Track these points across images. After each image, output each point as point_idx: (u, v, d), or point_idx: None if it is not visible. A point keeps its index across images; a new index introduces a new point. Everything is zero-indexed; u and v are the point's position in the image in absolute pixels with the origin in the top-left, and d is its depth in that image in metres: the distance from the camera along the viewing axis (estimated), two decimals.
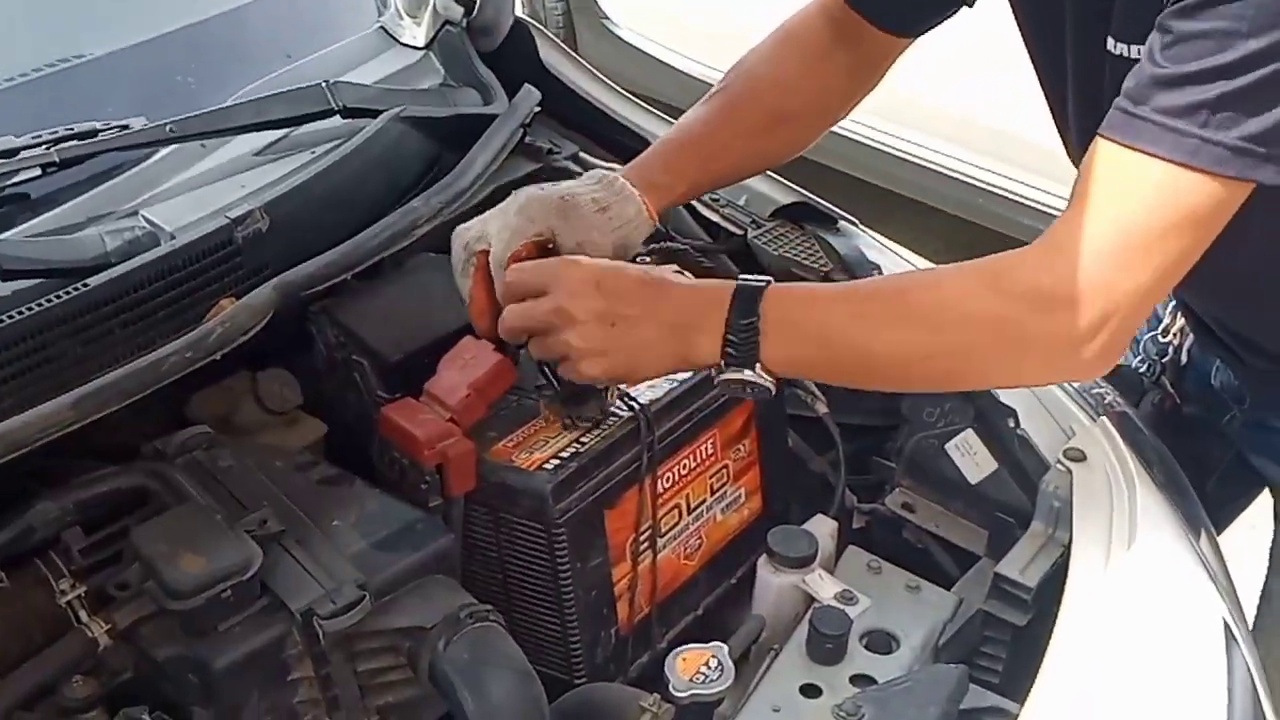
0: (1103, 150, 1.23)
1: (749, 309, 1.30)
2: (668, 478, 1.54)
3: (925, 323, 1.30)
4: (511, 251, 1.42)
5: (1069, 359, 1.27)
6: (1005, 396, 1.60)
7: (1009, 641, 1.49)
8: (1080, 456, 1.53)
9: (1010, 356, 1.30)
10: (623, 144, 1.95)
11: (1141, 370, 1.82)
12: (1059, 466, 1.53)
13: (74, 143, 1.51)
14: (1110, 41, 1.32)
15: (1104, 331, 1.24)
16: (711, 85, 1.66)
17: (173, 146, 1.62)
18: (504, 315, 1.40)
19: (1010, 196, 3.85)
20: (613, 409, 1.50)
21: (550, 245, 1.44)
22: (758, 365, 1.30)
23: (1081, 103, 1.45)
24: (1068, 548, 1.47)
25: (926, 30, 1.63)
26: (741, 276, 1.34)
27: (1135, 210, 1.22)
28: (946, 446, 1.64)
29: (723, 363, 1.31)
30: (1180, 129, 1.18)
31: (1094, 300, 1.22)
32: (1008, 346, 1.29)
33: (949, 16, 1.60)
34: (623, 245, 1.48)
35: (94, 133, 1.54)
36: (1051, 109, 1.55)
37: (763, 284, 1.31)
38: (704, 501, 1.60)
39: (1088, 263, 1.22)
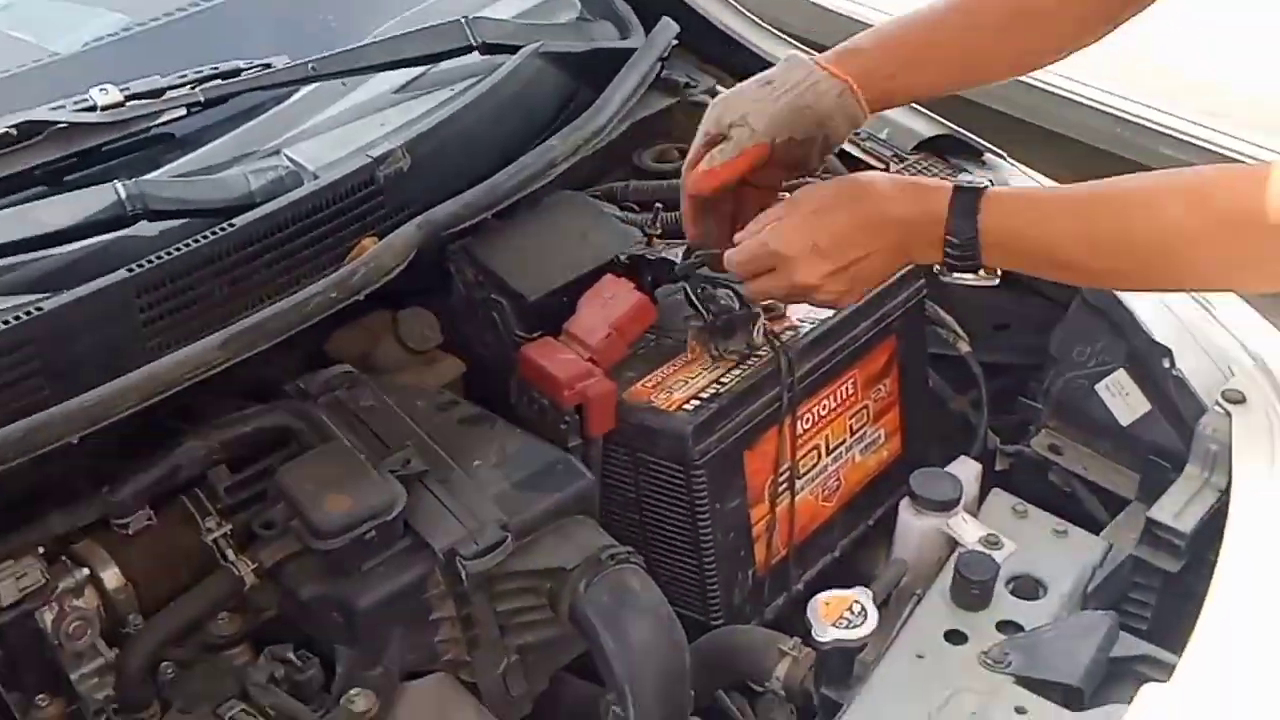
0: None
1: (968, 221, 1.25)
2: (807, 418, 1.52)
3: (1148, 250, 1.23)
4: (691, 158, 1.41)
5: None
6: (1160, 335, 1.54)
7: (1159, 589, 1.45)
8: (1240, 398, 1.47)
9: (1229, 277, 1.28)
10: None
11: None
12: (1217, 408, 1.47)
13: (217, 82, 1.52)
14: None
15: None
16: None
17: (314, 85, 1.62)
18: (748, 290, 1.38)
19: (1145, 124, 3.72)
20: (759, 341, 1.48)
21: (720, 135, 1.40)
22: (980, 270, 1.27)
23: None
24: (1225, 493, 1.42)
25: None
26: (960, 179, 1.30)
27: None
28: (1097, 387, 1.59)
29: (945, 269, 1.28)
30: None
31: None
32: (1225, 269, 1.23)
33: None
34: (796, 111, 1.38)
35: (237, 72, 1.54)
36: None
37: (981, 187, 1.26)
38: (843, 442, 1.58)
39: None
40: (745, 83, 1.43)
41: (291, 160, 1.51)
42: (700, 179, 1.39)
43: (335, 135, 1.58)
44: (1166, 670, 1.23)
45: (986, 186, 1.25)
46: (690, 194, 1.41)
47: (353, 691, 1.22)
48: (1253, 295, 1.54)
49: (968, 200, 1.25)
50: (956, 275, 1.27)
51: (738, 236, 1.35)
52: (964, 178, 1.30)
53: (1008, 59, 1.54)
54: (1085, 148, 3.89)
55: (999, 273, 1.27)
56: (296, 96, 1.62)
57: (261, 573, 1.27)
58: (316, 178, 1.47)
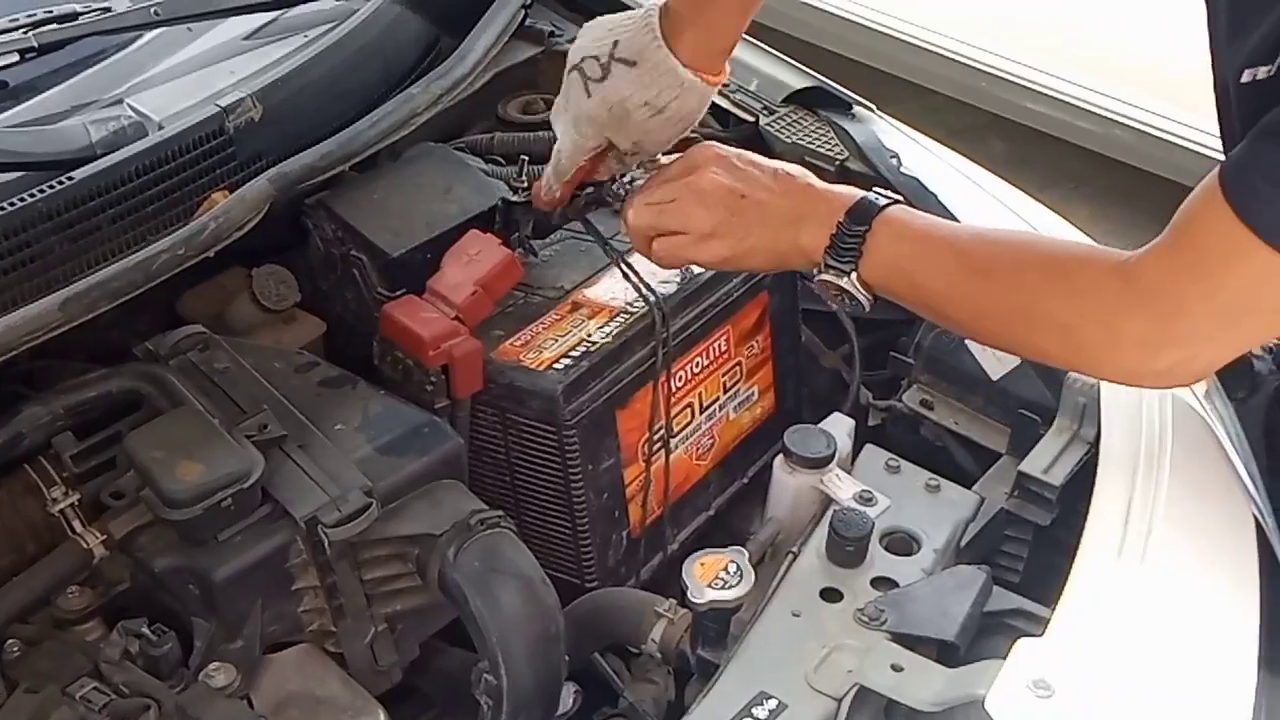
0: (1209, 199, 1.08)
1: (863, 219, 1.24)
2: (680, 376, 1.50)
3: (1001, 311, 1.23)
4: (574, 171, 1.38)
5: (1137, 380, 1.25)
6: None
7: (1031, 541, 1.45)
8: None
9: (1077, 364, 1.31)
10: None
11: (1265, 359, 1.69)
12: None
13: (53, 26, 1.45)
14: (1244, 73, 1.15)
15: (1178, 372, 1.17)
16: None
17: (158, 30, 1.55)
18: (634, 202, 1.34)
19: (1014, 80, 3.78)
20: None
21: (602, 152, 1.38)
22: (854, 276, 1.24)
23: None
24: (1094, 445, 1.43)
25: None
26: (876, 189, 1.29)
27: (1228, 282, 1.08)
28: (967, 340, 1.59)
29: (823, 262, 1.26)
30: (1277, 201, 1.03)
31: (1167, 349, 1.14)
32: (1073, 357, 1.24)
33: None
34: (683, 134, 1.39)
35: (74, 15, 1.47)
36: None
37: (887, 201, 1.26)
38: (716, 400, 1.56)
39: (1168, 315, 1.12)
40: (632, 101, 1.32)
41: (135, 110, 1.44)
42: (549, 199, 1.41)
43: (181, 84, 1.52)
44: (1039, 623, 1.23)
45: (893, 201, 1.26)
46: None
47: (212, 666, 1.17)
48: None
49: (870, 204, 1.25)
50: (831, 279, 1.25)
51: (639, 199, 1.33)
52: (878, 190, 1.29)
53: None
54: (943, 98, 3.95)
55: (868, 298, 1.26)
56: (139, 42, 1.56)
57: (112, 544, 1.21)
58: (162, 128, 1.41)
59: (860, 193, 1.27)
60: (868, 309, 1.26)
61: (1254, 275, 1.07)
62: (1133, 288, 1.14)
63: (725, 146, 1.34)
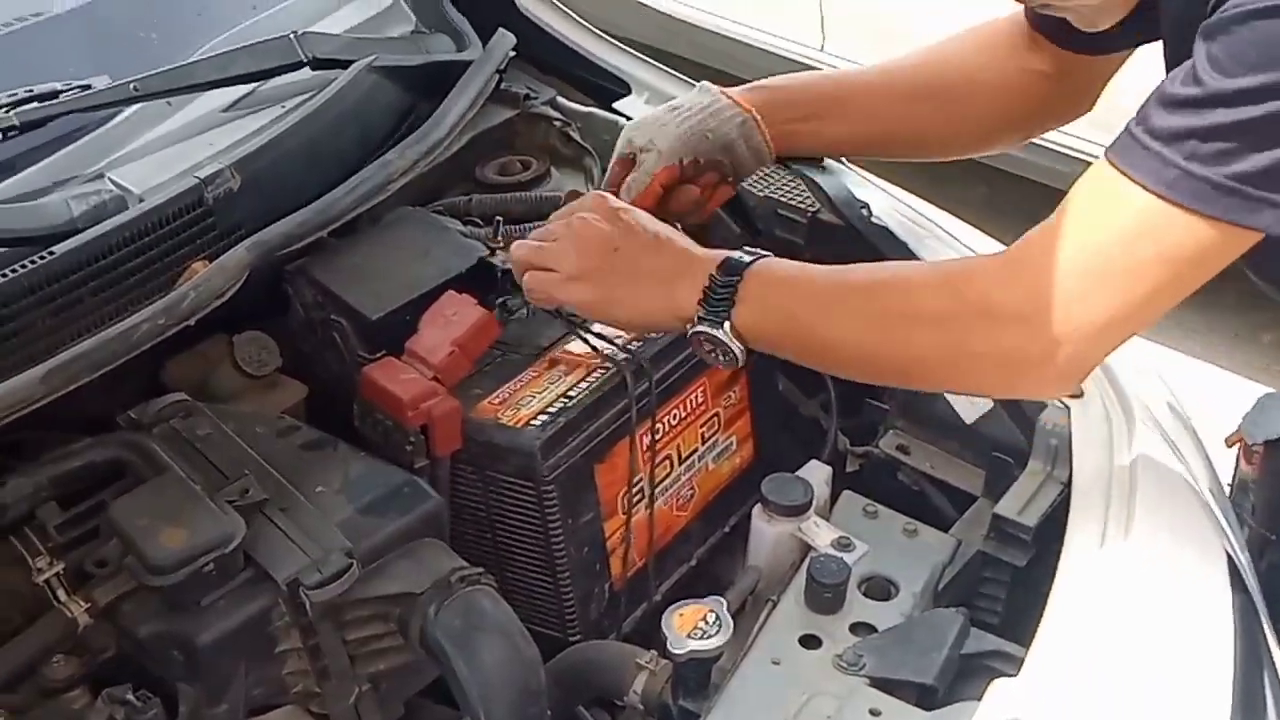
0: (1095, 166, 1.16)
1: (733, 271, 1.30)
2: (658, 428, 1.51)
3: (876, 320, 1.28)
4: (607, 179, 1.55)
5: (1021, 378, 1.24)
6: None
7: (1009, 582, 1.47)
8: (1078, 392, 1.50)
9: (956, 365, 1.26)
10: (601, 86, 1.90)
11: None
12: (1056, 403, 1.50)
13: (34, 105, 1.47)
14: None
15: (1058, 358, 1.17)
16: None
17: (137, 105, 1.57)
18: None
19: None
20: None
21: (632, 156, 1.52)
22: (728, 325, 1.30)
23: None
24: (1067, 486, 1.45)
25: (1122, 48, 1.49)
26: (745, 248, 1.35)
27: (1107, 237, 1.14)
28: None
29: (697, 315, 1.31)
30: (1165, 156, 1.09)
31: (1045, 324, 1.16)
32: (953, 354, 1.24)
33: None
34: (698, 134, 1.51)
35: (55, 94, 1.49)
36: None
37: (754, 256, 1.32)
38: (695, 451, 1.57)
39: (1045, 285, 1.15)
40: (657, 109, 1.54)
41: (115, 184, 1.47)
42: None
43: (161, 157, 1.54)
44: (1017, 664, 1.24)
45: (761, 257, 1.32)
46: None
47: None
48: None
49: (738, 259, 1.32)
50: (705, 329, 1.30)
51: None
52: (746, 249, 1.36)
53: (916, 132, 1.61)
54: None
55: (741, 349, 1.31)
56: (120, 118, 1.57)
57: (96, 612, 1.22)
58: (142, 201, 1.42)
59: (727, 251, 1.33)
60: (740, 362, 1.32)
61: (1132, 225, 1.12)
62: (1010, 265, 1.20)
63: (616, 200, 1.41)
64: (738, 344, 1.30)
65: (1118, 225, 1.13)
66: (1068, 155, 3.68)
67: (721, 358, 1.32)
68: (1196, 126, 1.07)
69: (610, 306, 1.37)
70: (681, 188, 1.53)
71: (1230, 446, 1.74)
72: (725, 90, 1.55)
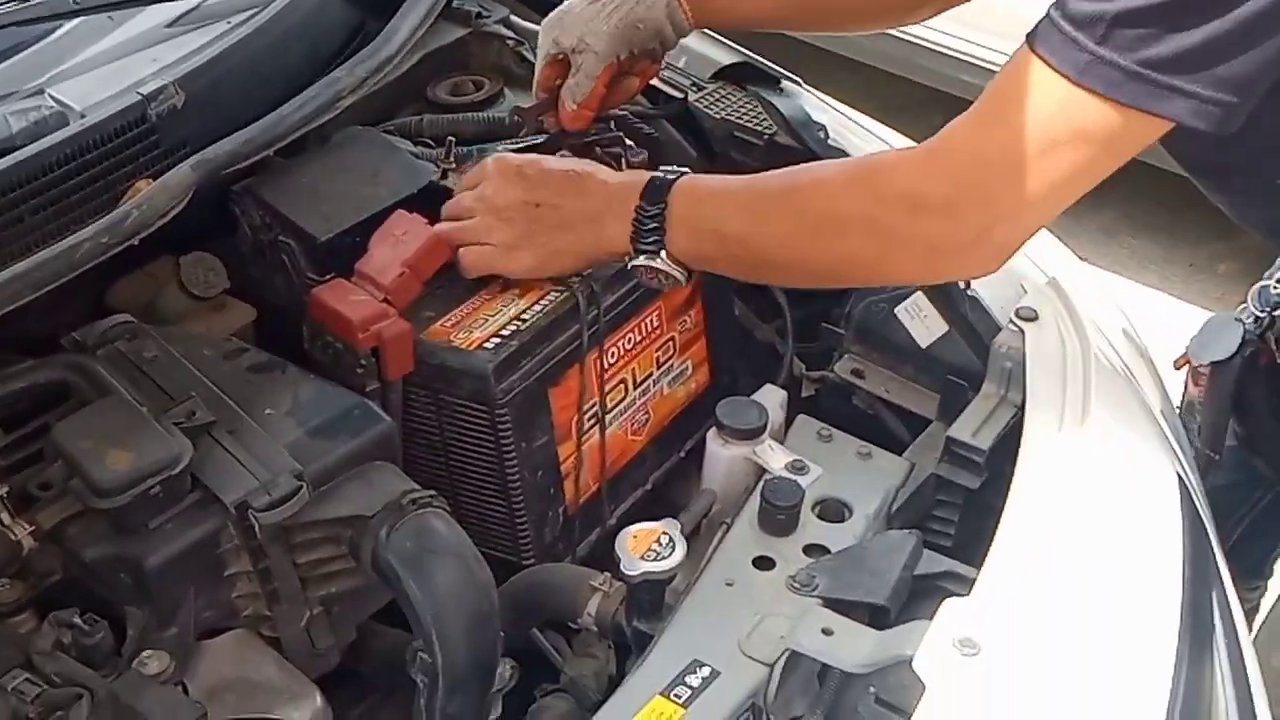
0: (1017, 53, 1.17)
1: (656, 198, 1.31)
2: (612, 353, 1.50)
3: (804, 223, 1.29)
4: (537, 81, 1.55)
5: (946, 262, 1.27)
6: None
7: (962, 505, 1.47)
8: (1032, 315, 1.50)
9: (886, 259, 1.29)
10: (553, 4, 1.86)
11: (1247, 322, 1.69)
12: (1011, 326, 1.50)
13: None
14: None
15: (983, 242, 1.21)
16: None
17: (78, 19, 1.53)
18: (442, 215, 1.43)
19: (955, 55, 3.79)
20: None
21: (563, 57, 1.51)
22: (664, 254, 1.31)
23: None
24: (1021, 409, 1.45)
25: None
26: (661, 167, 1.36)
27: (1025, 119, 1.15)
28: (896, 310, 1.60)
29: (632, 249, 1.33)
30: (1078, 40, 1.10)
31: (970, 209, 1.19)
32: (882, 249, 1.27)
33: None
34: (630, 26, 1.49)
35: None
36: None
37: (674, 175, 1.32)
38: (650, 375, 1.56)
39: (967, 169, 1.18)
40: (573, 1, 1.50)
41: (56, 100, 1.43)
42: (576, 118, 1.52)
43: (103, 73, 1.50)
44: (969, 585, 1.24)
45: (681, 175, 1.33)
46: (576, 129, 1.54)
47: (145, 654, 1.16)
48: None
49: (660, 182, 1.32)
50: (644, 262, 1.33)
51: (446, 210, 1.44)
52: (664, 168, 1.37)
53: (832, 12, 1.63)
54: (882, 74, 3.96)
55: (683, 273, 1.34)
56: (60, 32, 1.53)
57: (41, 535, 1.20)
58: (84, 117, 1.39)
59: (645, 175, 1.34)
60: (685, 283, 1.35)
61: (1048, 110, 1.14)
62: (932, 155, 1.22)
63: (514, 155, 1.42)
64: (677, 269, 1.33)
65: (1036, 110, 1.14)
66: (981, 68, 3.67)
67: (665, 282, 1.35)
68: (1109, 11, 1.08)
69: (551, 263, 1.39)
70: (621, 82, 1.54)
71: (1178, 369, 1.76)
72: None
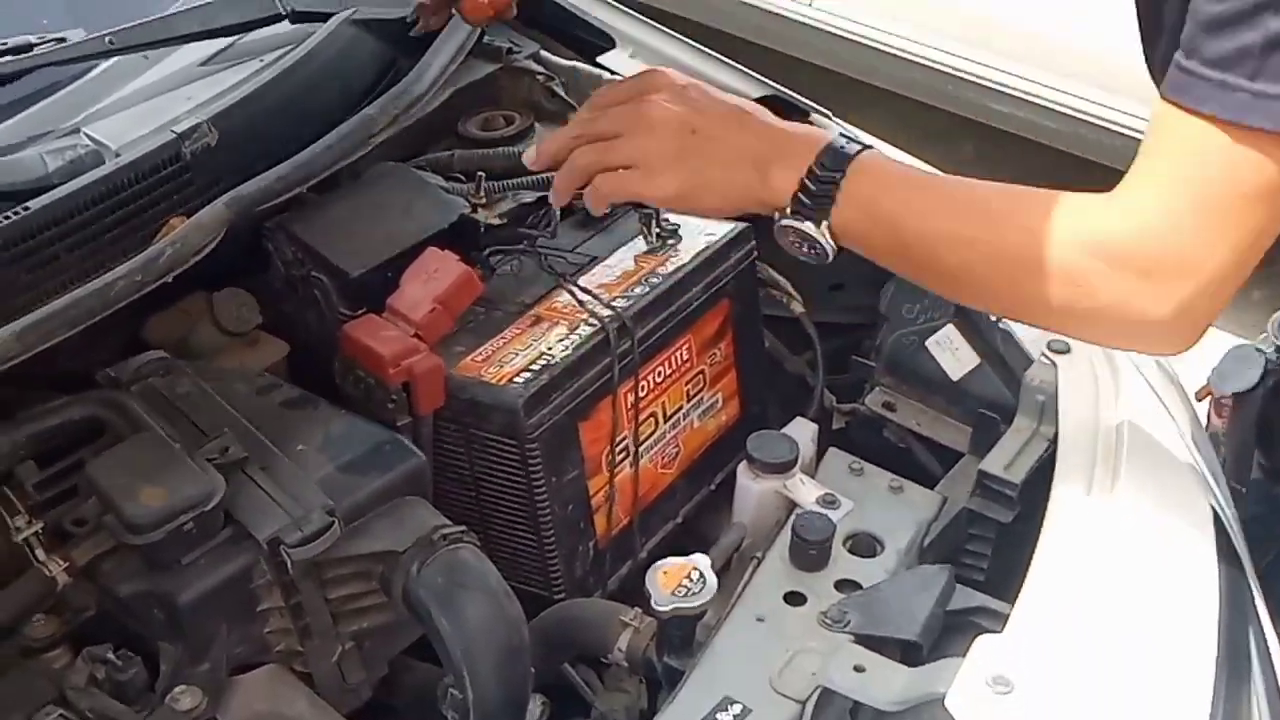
0: (1158, 116, 1.08)
1: (837, 162, 1.18)
2: (642, 386, 1.50)
3: (997, 251, 1.16)
4: None
5: (1144, 331, 1.15)
6: None
7: (994, 539, 1.46)
8: (1065, 349, 1.49)
9: (1075, 312, 1.16)
10: (585, 40, 1.88)
11: (1268, 352, 1.66)
12: (1043, 359, 1.49)
13: (8, 58, 1.45)
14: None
15: (1184, 316, 1.10)
16: None
17: (113, 59, 1.55)
18: (571, 128, 1.28)
19: (984, 84, 3.79)
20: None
21: None
22: (825, 224, 1.18)
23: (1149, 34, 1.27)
24: (1053, 442, 1.44)
25: None
26: (844, 134, 1.23)
27: (1203, 179, 1.06)
28: (927, 343, 1.60)
29: (789, 208, 1.20)
30: (1227, 82, 1.01)
31: (1174, 274, 1.08)
32: (1073, 300, 1.14)
33: None
34: None
35: (29, 47, 1.47)
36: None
37: (859, 146, 1.20)
38: (680, 408, 1.57)
39: (1167, 232, 1.08)
40: None
41: (91, 139, 1.44)
42: (474, 7, 1.48)
43: (138, 111, 1.52)
44: (1002, 620, 1.23)
45: (865, 148, 1.20)
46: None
47: (178, 689, 1.17)
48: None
49: (843, 147, 1.19)
50: (795, 223, 1.19)
51: (575, 133, 1.28)
52: (844, 135, 1.24)
53: None
54: (910, 103, 3.96)
55: (834, 248, 1.20)
56: (95, 72, 1.55)
57: (75, 571, 1.21)
58: (118, 156, 1.40)
59: (828, 134, 1.21)
60: (830, 258, 1.21)
61: (1227, 160, 1.04)
62: (1126, 217, 1.11)
63: (679, 75, 1.27)
64: (831, 242, 1.19)
65: (1209, 165, 1.05)
66: (1055, 111, 3.68)
67: (807, 250, 1.21)
68: (1254, 42, 1.00)
69: (700, 193, 1.23)
70: None
71: (1200, 400, 1.74)
72: None
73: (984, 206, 1.19)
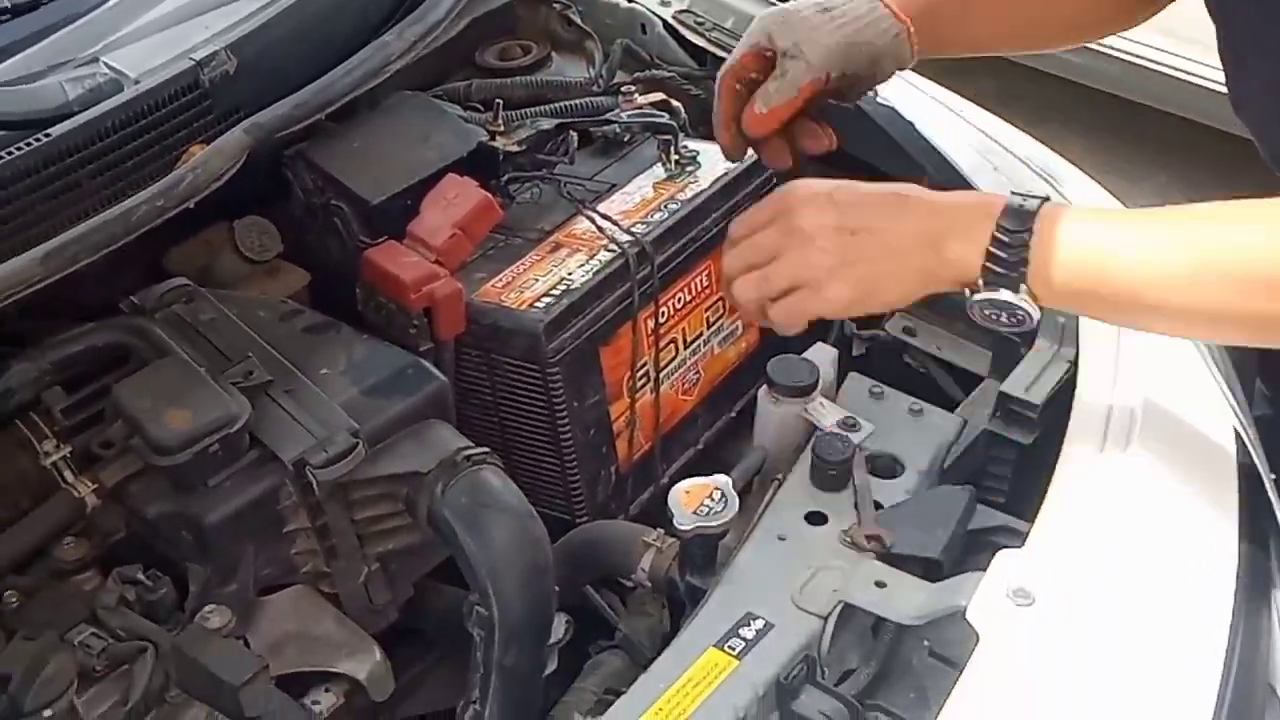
0: None
1: (1022, 221, 1.12)
2: (663, 312, 1.50)
3: (1217, 278, 1.10)
4: (731, 66, 1.32)
5: None
6: None
7: (1014, 461, 1.46)
8: None
9: None
10: None
11: None
12: None
13: None
14: None
15: None
16: None
17: None
18: (726, 269, 1.25)
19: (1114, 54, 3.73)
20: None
21: (769, 54, 1.31)
22: (1023, 287, 1.13)
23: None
24: (1074, 364, 1.44)
25: None
26: (1012, 191, 1.16)
27: None
28: None
29: (981, 281, 1.14)
30: None
31: None
32: None
33: None
34: (853, 46, 1.29)
35: None
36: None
37: (1038, 199, 1.14)
38: (701, 335, 1.57)
39: None
40: (801, 5, 1.32)
41: (110, 67, 1.44)
42: (759, 122, 1.31)
43: (156, 40, 1.51)
44: (1023, 539, 1.24)
45: (1041, 200, 1.14)
46: (752, 135, 1.34)
47: (207, 609, 1.19)
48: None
49: (1024, 204, 1.13)
50: (991, 295, 1.14)
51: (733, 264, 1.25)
52: (1014, 192, 1.18)
53: (1056, 25, 1.48)
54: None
55: (1038, 311, 1.14)
56: (113, 1, 1.54)
57: (104, 493, 1.22)
58: (138, 83, 1.40)
59: (1000, 195, 1.15)
60: (1035, 323, 1.16)
61: None
62: None
63: (819, 181, 1.23)
64: (1034, 305, 1.14)
65: None
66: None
67: (1006, 319, 1.16)
68: None
69: (878, 291, 1.20)
70: (807, 124, 1.35)
71: None
72: None
73: (1190, 233, 1.13)
